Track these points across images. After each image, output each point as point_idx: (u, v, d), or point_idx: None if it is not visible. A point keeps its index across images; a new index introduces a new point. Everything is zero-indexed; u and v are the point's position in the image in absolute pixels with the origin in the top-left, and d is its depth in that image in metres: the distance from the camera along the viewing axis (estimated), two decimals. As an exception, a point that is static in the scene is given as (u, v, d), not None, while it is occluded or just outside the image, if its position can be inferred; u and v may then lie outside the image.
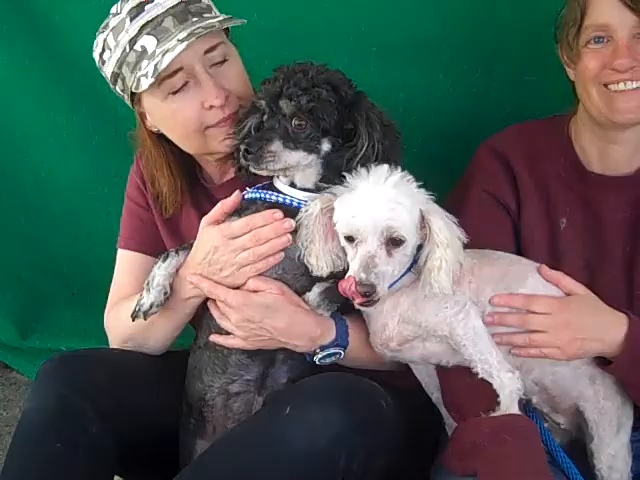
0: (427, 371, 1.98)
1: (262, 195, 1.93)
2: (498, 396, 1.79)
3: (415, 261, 1.82)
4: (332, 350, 1.92)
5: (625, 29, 1.84)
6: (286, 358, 1.99)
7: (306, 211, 1.84)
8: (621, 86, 1.88)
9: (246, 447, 1.82)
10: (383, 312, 1.87)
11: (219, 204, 1.94)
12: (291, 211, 1.89)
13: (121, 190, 2.31)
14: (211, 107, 1.97)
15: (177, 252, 1.98)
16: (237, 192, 1.93)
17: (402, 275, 1.82)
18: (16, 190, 3.00)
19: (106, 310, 2.25)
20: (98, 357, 2.09)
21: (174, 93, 1.97)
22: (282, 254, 1.90)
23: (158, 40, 1.93)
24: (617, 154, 2.00)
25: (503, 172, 2.05)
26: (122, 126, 2.70)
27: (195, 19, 1.95)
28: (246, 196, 1.96)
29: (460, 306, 1.82)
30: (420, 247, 1.81)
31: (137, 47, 1.94)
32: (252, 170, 1.87)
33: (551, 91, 2.14)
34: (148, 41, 1.93)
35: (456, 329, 1.82)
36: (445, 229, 1.77)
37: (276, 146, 1.82)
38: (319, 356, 1.92)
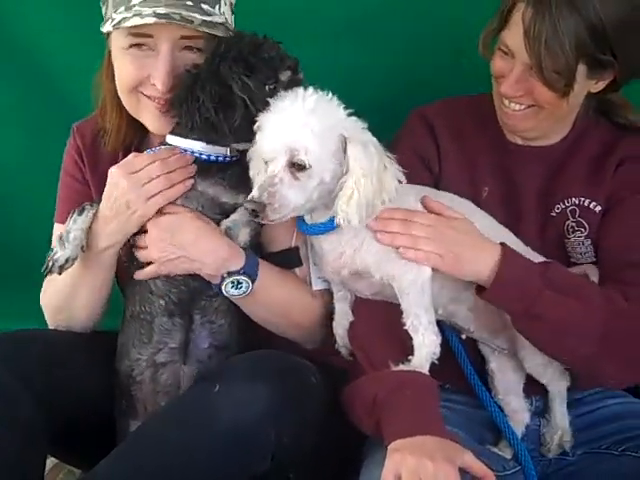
0: None
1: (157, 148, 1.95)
2: (411, 354, 1.81)
3: None
4: (239, 278, 1.91)
5: (522, 63, 1.89)
6: (205, 321, 1.99)
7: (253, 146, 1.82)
8: (506, 103, 1.97)
9: (175, 425, 1.82)
10: (341, 243, 1.86)
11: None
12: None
13: (58, 169, 2.26)
14: (153, 85, 1.95)
15: (92, 205, 1.96)
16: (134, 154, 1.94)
17: None
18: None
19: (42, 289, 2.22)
20: (32, 338, 2.05)
21: (136, 47, 1.94)
22: (192, 180, 1.91)
23: None
24: (538, 133, 2.06)
25: (429, 138, 2.11)
26: (59, 99, 2.71)
27: (190, 3, 1.91)
28: (147, 152, 1.96)
29: None
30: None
31: None
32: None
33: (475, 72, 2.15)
34: None
35: (407, 274, 1.82)
36: (364, 159, 1.73)
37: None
38: (226, 282, 1.90)
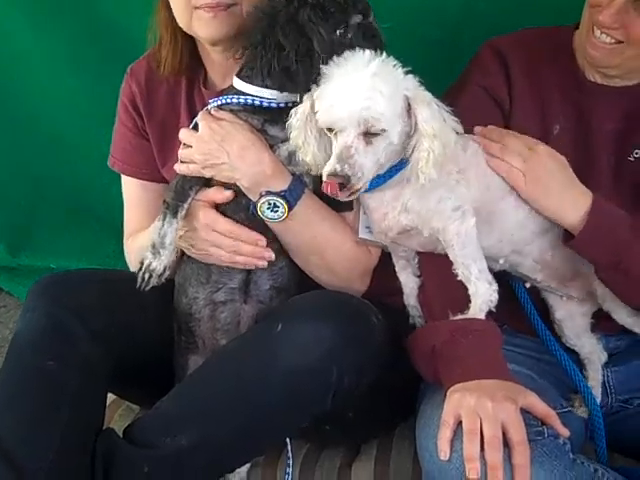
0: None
1: (228, 100, 1.91)
2: (469, 302, 1.79)
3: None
4: (276, 199, 1.87)
5: None
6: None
7: (296, 113, 1.79)
8: (597, 34, 1.88)
9: (238, 364, 1.83)
10: (384, 202, 1.84)
11: (212, 192, 1.92)
12: (260, 111, 1.88)
13: (112, 110, 2.26)
14: None
15: (182, 205, 1.93)
16: (229, 193, 1.91)
17: (401, 166, 1.78)
18: (1, 109, 2.95)
19: (124, 239, 2.25)
20: (88, 276, 2.07)
21: None
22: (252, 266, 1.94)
23: None
24: (617, 73, 1.97)
25: (501, 72, 2.04)
26: (115, 40, 2.70)
27: None
28: (213, 104, 1.93)
29: (460, 203, 1.80)
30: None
31: None
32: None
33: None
34: None
35: (449, 226, 1.80)
36: (432, 119, 1.70)
37: None
38: (262, 200, 1.87)
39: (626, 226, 1.81)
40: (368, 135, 1.68)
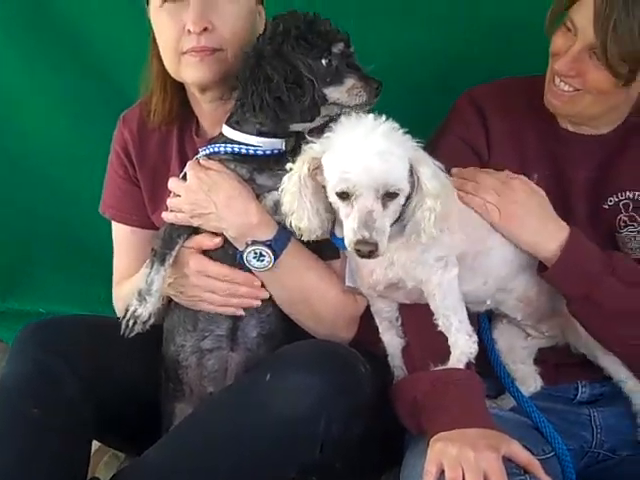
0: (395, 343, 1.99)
1: (216, 149, 1.93)
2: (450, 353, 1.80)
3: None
4: (262, 249, 1.87)
5: (584, 42, 1.85)
6: (253, 310, 1.98)
7: (290, 177, 1.78)
8: (557, 82, 1.93)
9: (226, 414, 1.83)
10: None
11: (201, 239, 1.94)
12: (248, 160, 1.91)
13: (106, 153, 2.27)
14: (189, 32, 1.94)
15: (170, 252, 1.94)
16: (219, 239, 1.93)
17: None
18: (-1, 150, 2.97)
19: (113, 285, 2.26)
20: (77, 322, 2.07)
21: (170, 1, 1.96)
22: (242, 310, 1.96)
23: None
24: (590, 121, 2.02)
25: (479, 122, 2.08)
26: (109, 87, 2.72)
27: None
28: (202, 153, 1.95)
29: (444, 253, 1.81)
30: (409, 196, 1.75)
31: None
32: None
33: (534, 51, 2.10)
34: None
35: (432, 276, 1.81)
36: (434, 178, 1.73)
37: None
38: (247, 250, 1.88)
39: (599, 260, 1.83)
40: (385, 198, 1.69)
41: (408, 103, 2.38)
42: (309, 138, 1.78)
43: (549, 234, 1.85)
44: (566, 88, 1.92)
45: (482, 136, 2.07)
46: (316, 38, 1.86)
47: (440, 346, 1.81)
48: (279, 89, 1.83)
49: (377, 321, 2.00)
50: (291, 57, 1.85)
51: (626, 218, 2.01)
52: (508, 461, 1.66)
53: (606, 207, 2.03)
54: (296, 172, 1.76)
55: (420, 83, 2.54)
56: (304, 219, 1.77)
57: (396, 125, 1.73)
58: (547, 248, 1.84)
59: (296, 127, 1.91)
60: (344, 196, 1.69)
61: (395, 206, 1.71)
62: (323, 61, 1.85)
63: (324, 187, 1.76)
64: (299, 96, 1.83)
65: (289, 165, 1.78)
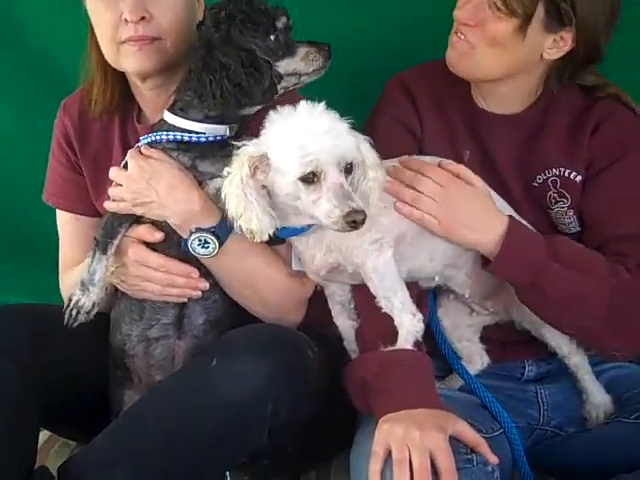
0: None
1: (158, 137, 1.92)
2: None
3: None
4: (207, 236, 1.87)
5: None
6: (198, 298, 1.98)
7: (231, 180, 1.75)
8: (458, 35, 1.94)
9: (172, 399, 1.83)
10: (309, 245, 1.86)
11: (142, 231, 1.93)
12: (191, 147, 1.90)
13: (48, 142, 2.25)
14: (127, 21, 1.93)
15: (112, 241, 1.93)
16: (160, 235, 1.93)
17: None
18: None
19: (60, 273, 2.25)
20: (19, 312, 2.05)
21: None
22: (185, 298, 1.96)
23: None
24: (498, 97, 2.05)
25: (409, 104, 2.10)
26: (48, 78, 2.67)
27: None
28: (143, 142, 1.94)
29: (379, 235, 1.81)
30: None
31: None
32: None
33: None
34: None
35: (367, 259, 1.81)
36: (372, 150, 1.75)
37: None
38: (192, 238, 1.87)
39: (540, 247, 1.84)
40: (345, 173, 1.70)
41: (346, 89, 2.41)
42: (237, 143, 1.77)
43: (488, 230, 1.84)
44: (462, 38, 1.93)
45: (413, 115, 2.09)
46: (260, 17, 1.86)
47: (390, 327, 1.82)
48: (238, 76, 1.82)
49: (330, 305, 2.01)
50: (242, 41, 1.84)
51: (555, 195, 2.04)
52: (455, 441, 1.68)
53: (536, 185, 2.05)
54: (236, 174, 1.74)
55: (360, 69, 2.54)
56: (253, 219, 1.74)
57: (324, 106, 1.74)
58: (488, 243, 1.84)
59: (252, 110, 1.91)
60: (310, 180, 1.68)
61: (350, 180, 1.72)
62: (272, 37, 1.86)
63: (264, 186, 1.75)
64: (258, 79, 1.84)
65: (226, 169, 1.77)
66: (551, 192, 2.04)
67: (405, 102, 2.10)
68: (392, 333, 1.81)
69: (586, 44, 1.93)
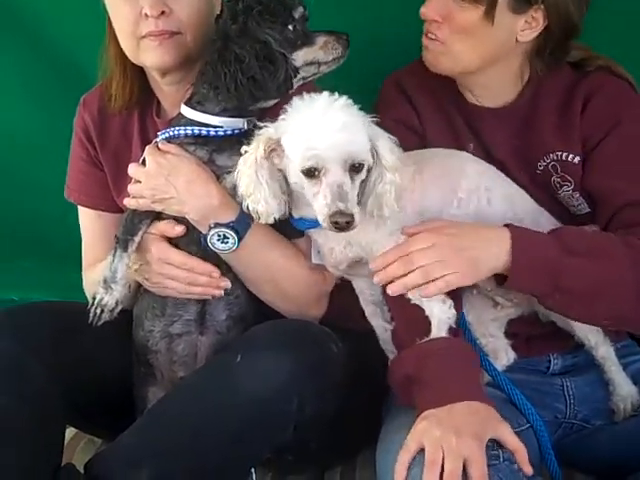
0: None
1: (175, 132, 1.92)
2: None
3: None
4: (226, 231, 1.86)
5: None
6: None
7: (246, 159, 1.75)
8: (429, 36, 1.94)
9: (198, 396, 1.82)
10: (329, 237, 1.84)
11: (164, 227, 1.93)
12: (208, 141, 1.90)
13: (68, 139, 2.25)
14: (147, 16, 1.92)
15: (133, 238, 1.93)
16: (181, 228, 1.92)
17: None
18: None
19: (83, 270, 2.25)
20: (42, 310, 2.05)
21: None
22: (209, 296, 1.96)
23: None
24: (484, 88, 2.04)
25: (406, 103, 2.09)
26: (68, 74, 2.67)
27: None
28: (161, 137, 1.94)
29: (396, 227, 1.80)
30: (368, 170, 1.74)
31: None
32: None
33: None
34: None
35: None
36: (392, 152, 1.73)
37: None
38: (211, 233, 1.87)
39: (550, 245, 1.78)
40: (351, 172, 1.68)
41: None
42: (259, 123, 1.77)
43: (496, 252, 1.76)
44: (433, 37, 1.93)
45: (413, 114, 2.08)
46: (278, 7, 1.86)
47: (423, 321, 1.79)
48: (252, 69, 1.82)
49: (362, 304, 1.99)
50: (259, 33, 1.84)
51: (559, 179, 2.01)
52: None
53: (539, 172, 2.02)
54: (252, 154, 1.74)
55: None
56: (261, 201, 1.75)
57: (350, 100, 1.72)
58: (499, 263, 1.76)
59: (264, 104, 1.90)
60: (311, 174, 1.68)
61: (359, 180, 1.71)
62: (290, 27, 1.86)
63: (280, 170, 1.75)
64: (272, 72, 1.83)
65: (244, 148, 1.77)
66: (554, 177, 2.01)
67: (402, 101, 2.09)
68: (427, 327, 1.79)
69: (559, 20, 1.90)
